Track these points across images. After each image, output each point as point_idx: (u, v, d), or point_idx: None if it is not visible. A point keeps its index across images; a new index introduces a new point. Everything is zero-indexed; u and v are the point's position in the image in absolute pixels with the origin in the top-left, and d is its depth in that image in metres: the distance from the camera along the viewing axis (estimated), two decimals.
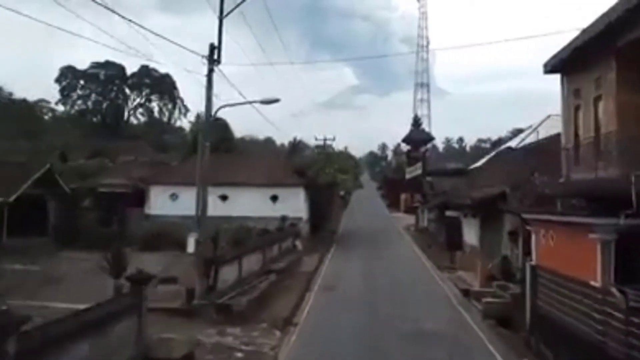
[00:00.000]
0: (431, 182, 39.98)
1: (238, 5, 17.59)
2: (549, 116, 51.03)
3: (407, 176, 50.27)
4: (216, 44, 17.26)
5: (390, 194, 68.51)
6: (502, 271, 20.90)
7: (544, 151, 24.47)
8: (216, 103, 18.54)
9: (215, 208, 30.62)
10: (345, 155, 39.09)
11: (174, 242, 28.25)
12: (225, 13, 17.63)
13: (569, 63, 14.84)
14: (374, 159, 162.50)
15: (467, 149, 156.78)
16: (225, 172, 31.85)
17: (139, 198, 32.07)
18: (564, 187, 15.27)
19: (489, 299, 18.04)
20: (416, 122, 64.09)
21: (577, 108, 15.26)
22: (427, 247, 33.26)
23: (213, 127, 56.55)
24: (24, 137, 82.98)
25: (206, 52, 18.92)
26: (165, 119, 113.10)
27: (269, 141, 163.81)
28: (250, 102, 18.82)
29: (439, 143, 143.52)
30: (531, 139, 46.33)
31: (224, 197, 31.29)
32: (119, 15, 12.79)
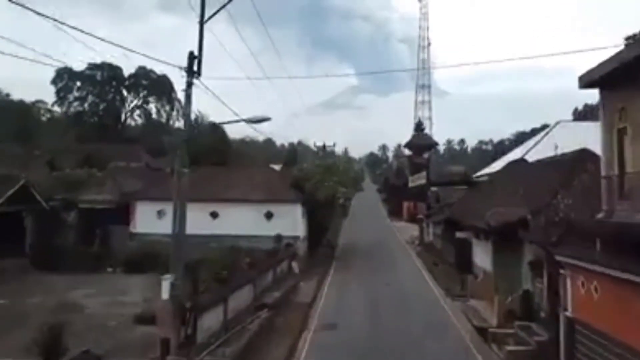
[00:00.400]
0: (437, 193, 37.46)
1: (221, 8, 15.05)
2: (558, 122, 48.48)
3: (411, 184, 47.84)
4: (197, 52, 14.81)
5: (392, 200, 66.00)
6: (524, 307, 18.43)
7: (565, 168, 22.01)
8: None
9: (205, 226, 28.20)
10: (345, 165, 36.34)
11: (160, 264, 25.93)
12: (210, 16, 15.11)
13: (613, 77, 12.34)
14: (375, 160, 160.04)
15: (469, 150, 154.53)
16: (216, 186, 29.40)
17: (125, 214, 29.58)
18: (606, 226, 12.76)
19: (512, 347, 15.57)
20: (419, 126, 61.50)
21: (622, 131, 12.70)
22: (434, 266, 30.77)
23: (207, 132, 53.40)
24: (19, 139, 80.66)
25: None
26: (163, 121, 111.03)
27: (268, 142, 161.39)
28: (238, 121, 16.35)
29: (440, 144, 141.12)
30: (542, 147, 43.95)
31: (214, 215, 28.80)
32: (71, 27, 10.28)
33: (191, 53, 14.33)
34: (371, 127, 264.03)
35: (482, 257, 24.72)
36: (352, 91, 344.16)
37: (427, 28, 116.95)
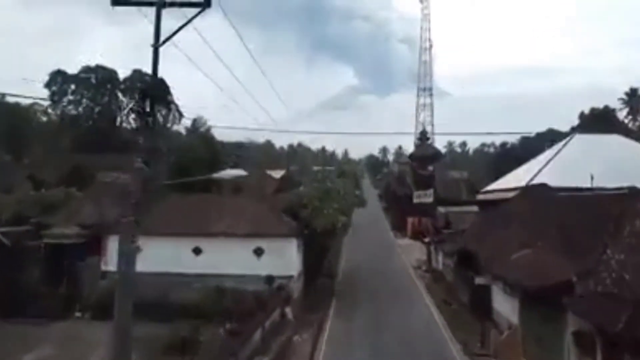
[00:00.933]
0: (446, 215, 33.67)
1: (175, 33, 11.21)
2: (574, 135, 44.62)
3: (415, 200, 44.18)
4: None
5: (394, 209, 62.16)
6: None
7: (609, 209, 18.21)
8: None
9: (188, 264, 24.49)
10: (346, 188, 32.40)
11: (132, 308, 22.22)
12: (165, 39, 11.33)
13: None
14: (375, 163, 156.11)
15: (470, 152, 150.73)
16: (199, 218, 25.61)
17: (97, 248, 25.82)
18: None
19: None
20: (423, 135, 57.49)
21: None
22: (446, 304, 27.00)
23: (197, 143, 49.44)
24: (10, 145, 76.85)
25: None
26: (158, 124, 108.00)
27: (267, 145, 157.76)
28: (208, 178, 12.53)
29: (441, 147, 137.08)
30: (561, 162, 40.04)
31: (197, 251, 24.97)
32: None
33: (142, 92, 10.60)
34: (371, 128, 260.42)
35: (505, 305, 20.93)
36: (351, 92, 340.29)
37: (429, 29, 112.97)
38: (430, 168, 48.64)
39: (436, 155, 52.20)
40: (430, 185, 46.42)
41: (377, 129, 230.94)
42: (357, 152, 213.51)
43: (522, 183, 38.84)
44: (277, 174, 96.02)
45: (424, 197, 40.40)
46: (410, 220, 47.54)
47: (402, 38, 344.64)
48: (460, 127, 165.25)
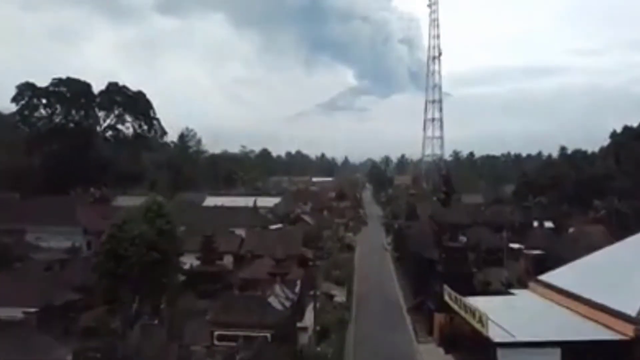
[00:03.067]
0: None
1: None
2: None
3: (447, 300, 29.50)
4: None
5: (411, 278, 47.14)
6: None
7: None
8: None
9: None
10: None
11: None
12: None
13: None
14: (377, 172, 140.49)
15: (474, 155, 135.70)
16: None
17: None
18: None
19: None
20: (447, 185, 41.93)
21: None
22: None
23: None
24: None
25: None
26: (141, 140, 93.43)
27: (264, 153, 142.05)
28: None
29: (447, 156, 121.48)
30: None
31: None
32: None
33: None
34: (372, 130, 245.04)
35: None
36: (351, 92, 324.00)
37: (438, 36, 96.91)
38: (464, 239, 33.54)
39: (468, 223, 36.77)
40: (465, 264, 31.63)
41: (377, 130, 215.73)
42: (358, 157, 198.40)
43: (632, 311, 23.63)
44: (271, 202, 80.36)
45: (472, 319, 24.97)
46: (438, 317, 32.58)
47: (401, 38, 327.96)
48: (460, 128, 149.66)
